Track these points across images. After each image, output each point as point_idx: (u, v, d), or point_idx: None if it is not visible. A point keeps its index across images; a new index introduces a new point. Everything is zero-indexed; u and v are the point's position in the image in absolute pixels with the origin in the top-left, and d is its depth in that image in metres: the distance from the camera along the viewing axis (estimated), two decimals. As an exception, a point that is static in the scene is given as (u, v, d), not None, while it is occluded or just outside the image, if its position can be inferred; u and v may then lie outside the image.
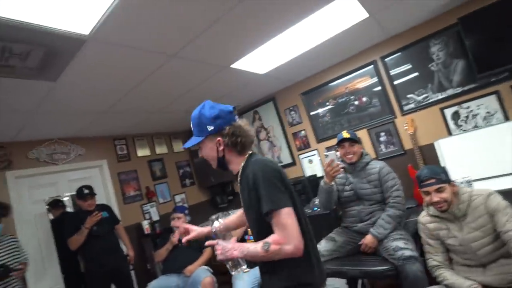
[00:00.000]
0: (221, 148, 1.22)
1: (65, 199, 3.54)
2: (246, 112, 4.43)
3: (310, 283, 1.14)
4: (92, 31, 1.69)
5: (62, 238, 2.90)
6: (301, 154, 3.95)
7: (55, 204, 3.42)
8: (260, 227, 1.14)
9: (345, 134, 2.31)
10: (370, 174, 2.27)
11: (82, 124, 3.22)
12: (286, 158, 4.11)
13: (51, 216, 3.36)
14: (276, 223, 1.05)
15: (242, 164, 1.22)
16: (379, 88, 3.26)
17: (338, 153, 2.28)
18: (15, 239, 2.54)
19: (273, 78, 3.48)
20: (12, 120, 2.61)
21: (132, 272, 3.26)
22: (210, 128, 1.20)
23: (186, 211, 3.27)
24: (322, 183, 2.25)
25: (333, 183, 2.22)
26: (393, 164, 2.97)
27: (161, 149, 4.52)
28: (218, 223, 1.37)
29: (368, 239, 2.13)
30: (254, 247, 1.08)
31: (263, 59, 2.84)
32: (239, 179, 1.23)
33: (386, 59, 3.18)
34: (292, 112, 3.97)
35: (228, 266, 1.21)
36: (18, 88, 2.07)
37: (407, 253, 1.85)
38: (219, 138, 1.21)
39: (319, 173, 3.77)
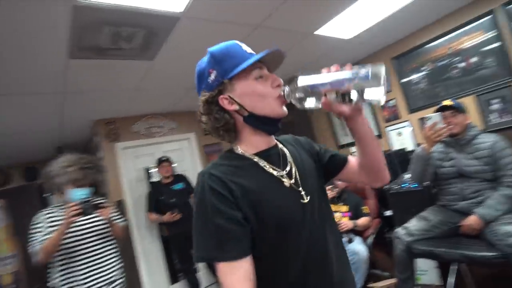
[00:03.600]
0: None
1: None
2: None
3: None
4: (185, 9, 1.75)
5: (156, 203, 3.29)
6: (388, 126, 3.62)
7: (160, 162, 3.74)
8: None
9: (446, 102, 2.03)
10: (479, 149, 1.95)
11: (174, 100, 3.49)
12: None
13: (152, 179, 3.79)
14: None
15: None
16: (496, 44, 2.68)
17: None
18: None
19: (360, 44, 3.18)
20: (119, 98, 2.97)
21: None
22: None
23: None
24: (419, 149, 2.01)
25: (437, 147, 1.97)
26: (509, 137, 2.52)
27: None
28: None
29: (472, 220, 1.86)
30: None
31: (349, 23, 2.60)
32: None
33: (510, 6, 2.57)
34: (380, 80, 3.61)
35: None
36: (124, 68, 2.31)
37: None
38: None
39: (410, 146, 3.43)
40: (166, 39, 2.03)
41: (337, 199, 2.78)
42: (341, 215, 2.72)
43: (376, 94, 0.64)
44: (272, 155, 0.81)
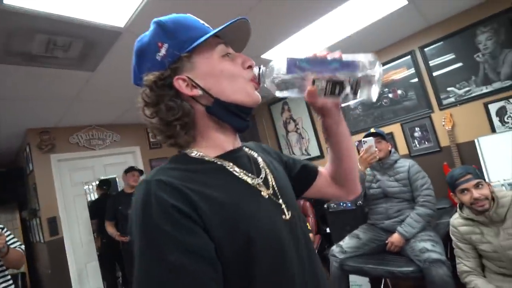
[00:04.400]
0: None
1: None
2: (276, 103, 4.41)
3: None
4: (127, 24, 1.75)
5: (103, 216, 3.12)
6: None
7: (100, 185, 3.68)
8: None
9: (373, 130, 2.27)
10: (399, 172, 2.21)
11: (118, 112, 3.38)
12: (314, 151, 4.05)
13: (90, 197, 3.62)
14: None
15: None
16: (416, 80, 3.08)
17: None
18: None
19: (303, 69, 3.41)
20: (55, 107, 2.80)
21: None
22: None
23: None
24: None
25: (367, 171, 2.16)
26: (427, 161, 2.84)
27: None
28: None
29: (394, 238, 2.07)
30: None
31: (295, 48, 2.79)
32: None
33: (426, 49, 2.99)
34: (322, 104, 3.88)
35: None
36: (60, 77, 2.21)
37: (434, 255, 1.78)
38: None
39: (348, 167, 3.69)
40: (108, 51, 2.00)
41: None
42: None
43: (371, 91, 0.55)
44: (241, 157, 0.61)
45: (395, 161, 2.26)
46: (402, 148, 3.22)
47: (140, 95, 0.58)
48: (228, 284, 0.47)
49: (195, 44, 0.55)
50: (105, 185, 3.76)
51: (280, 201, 0.59)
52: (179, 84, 0.55)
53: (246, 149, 0.66)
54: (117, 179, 3.87)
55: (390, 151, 2.29)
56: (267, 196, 0.57)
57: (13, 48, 1.71)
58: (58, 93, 2.48)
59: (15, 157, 4.12)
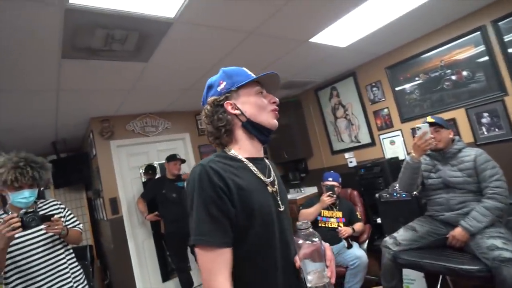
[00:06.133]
0: None
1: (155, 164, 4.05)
2: (323, 89, 4.25)
3: None
4: (176, 14, 1.78)
5: (151, 200, 3.35)
6: (382, 134, 3.65)
7: (147, 170, 3.93)
8: None
9: (429, 119, 2.08)
10: (463, 162, 2.00)
11: (169, 100, 3.52)
12: (364, 138, 3.86)
13: (143, 179, 3.89)
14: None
15: None
16: (485, 58, 2.72)
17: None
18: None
19: (355, 52, 3.22)
20: (114, 97, 3.00)
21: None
22: None
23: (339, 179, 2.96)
24: (408, 158, 2.04)
25: (421, 159, 2.01)
26: (497, 150, 2.56)
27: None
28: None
29: (457, 232, 1.90)
30: None
31: (345, 31, 2.63)
32: None
33: (500, 23, 2.61)
34: (374, 89, 3.65)
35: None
36: (118, 69, 2.34)
37: (506, 254, 1.61)
38: None
39: (402, 155, 3.46)
40: (160, 42, 2.06)
41: (332, 206, 2.82)
42: (337, 221, 2.77)
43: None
44: (260, 164, 0.92)
45: (459, 150, 2.05)
46: (467, 136, 2.91)
47: (204, 110, 0.93)
48: (235, 236, 0.78)
49: (240, 84, 0.91)
50: (151, 169, 3.99)
51: (278, 197, 0.91)
52: (227, 105, 0.89)
53: (266, 160, 0.98)
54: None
55: (452, 140, 2.09)
56: (271, 191, 0.89)
57: (78, 44, 1.85)
58: (116, 84, 2.65)
59: (81, 143, 4.56)
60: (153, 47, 2.10)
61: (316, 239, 0.77)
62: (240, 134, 0.90)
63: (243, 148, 0.90)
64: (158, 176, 4.01)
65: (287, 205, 0.95)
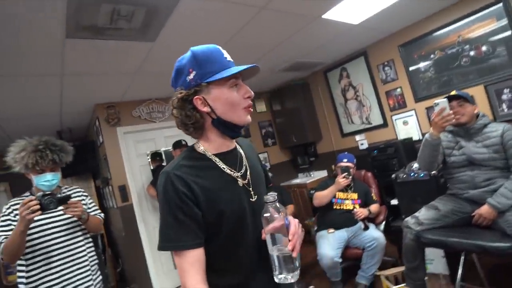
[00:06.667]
0: None
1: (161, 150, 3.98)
2: (333, 70, 4.12)
3: None
4: (187, -15, 1.67)
5: None
6: (394, 114, 3.55)
7: (154, 157, 3.86)
8: None
9: (453, 92, 1.99)
10: (489, 137, 1.91)
11: (175, 85, 3.42)
12: (376, 119, 3.76)
13: (151, 167, 3.83)
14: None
15: None
16: (508, 33, 2.59)
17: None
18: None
19: (367, 29, 3.08)
20: (119, 82, 2.91)
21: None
22: None
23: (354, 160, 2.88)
24: (427, 135, 1.96)
25: (442, 136, 1.93)
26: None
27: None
28: None
29: (484, 210, 1.83)
30: None
31: (358, 7, 2.51)
32: None
33: (523, -6, 2.48)
34: (386, 68, 3.52)
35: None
36: (124, 50, 2.24)
37: None
38: None
39: (416, 136, 3.37)
40: (168, 18, 1.96)
41: (347, 187, 2.76)
42: (352, 203, 2.71)
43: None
44: (231, 157, 0.90)
45: (485, 125, 1.96)
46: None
47: (172, 101, 0.85)
48: (208, 233, 0.82)
49: (212, 79, 0.80)
50: (158, 156, 3.90)
51: (250, 188, 0.90)
52: (197, 102, 0.82)
53: (238, 147, 0.95)
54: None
55: (477, 115, 2.00)
56: (241, 185, 0.88)
57: (82, 21, 1.75)
58: (122, 66, 2.55)
59: (87, 132, 4.49)
60: (161, 23, 2.00)
61: (280, 213, 0.78)
62: (209, 130, 0.87)
63: (212, 144, 0.88)
64: (165, 163, 3.95)
65: (263, 190, 0.95)
